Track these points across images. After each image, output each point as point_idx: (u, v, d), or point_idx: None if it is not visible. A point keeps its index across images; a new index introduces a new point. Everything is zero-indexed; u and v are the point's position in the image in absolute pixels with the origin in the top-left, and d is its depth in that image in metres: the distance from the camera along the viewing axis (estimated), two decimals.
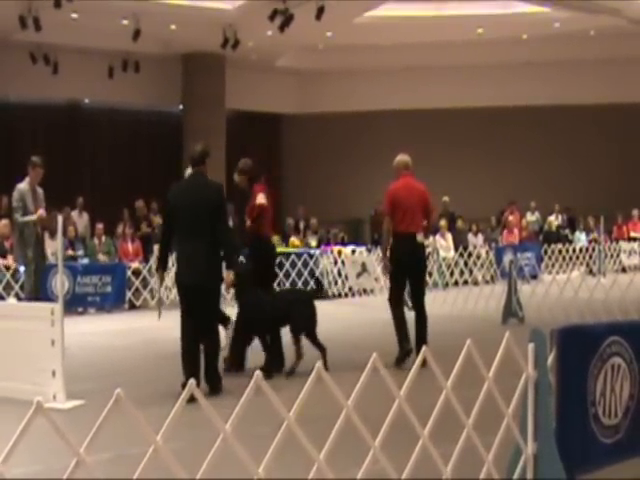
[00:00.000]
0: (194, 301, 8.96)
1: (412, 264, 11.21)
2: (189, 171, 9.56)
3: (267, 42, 27.01)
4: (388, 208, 11.22)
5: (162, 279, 9.88)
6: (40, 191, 12.78)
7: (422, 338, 11.08)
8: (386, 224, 11.23)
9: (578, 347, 5.11)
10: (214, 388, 8.85)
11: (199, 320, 9.01)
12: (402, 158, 11.55)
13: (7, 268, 17.34)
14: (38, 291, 12.92)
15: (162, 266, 9.54)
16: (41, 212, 12.55)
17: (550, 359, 4.95)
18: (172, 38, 26.82)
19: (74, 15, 23.75)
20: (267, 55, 29.30)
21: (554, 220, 29.40)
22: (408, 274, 11.27)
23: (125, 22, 24.52)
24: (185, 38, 26.66)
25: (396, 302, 11.32)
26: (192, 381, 3.66)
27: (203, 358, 9.07)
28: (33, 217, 12.47)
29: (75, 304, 16.96)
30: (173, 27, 25.84)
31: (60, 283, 9.03)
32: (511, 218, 26.32)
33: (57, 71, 26.41)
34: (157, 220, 18.75)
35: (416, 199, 11.25)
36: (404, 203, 11.12)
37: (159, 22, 24.69)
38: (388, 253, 11.21)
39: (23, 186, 12.60)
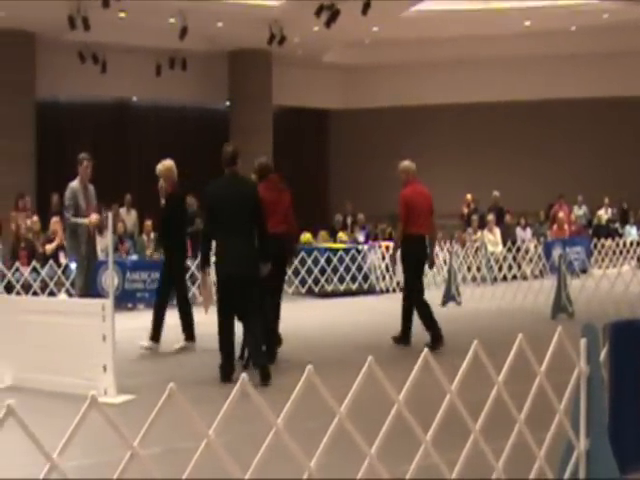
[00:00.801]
0: (233, 292, 9.44)
1: (423, 263, 12.07)
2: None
3: (313, 38, 27.02)
4: (404, 213, 11.86)
5: (208, 274, 10.15)
6: (91, 188, 12.86)
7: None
8: (401, 228, 11.94)
9: (631, 342, 5.06)
10: (265, 376, 8.97)
11: (239, 311, 9.51)
12: (410, 165, 12.32)
13: (58, 265, 17.53)
14: (89, 287, 13.03)
15: (207, 262, 9.98)
16: (93, 217, 12.63)
17: (602, 354, 4.90)
18: (219, 35, 26.92)
19: (122, 14, 23.94)
20: (313, 51, 29.30)
21: (604, 214, 29.09)
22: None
23: (172, 20, 24.67)
24: (232, 35, 26.75)
25: (422, 301, 11.91)
26: (244, 375, 3.67)
27: (249, 348, 9.70)
28: (84, 221, 12.54)
29: (124, 300, 17.09)
30: (220, 24, 25.93)
31: (110, 279, 9.11)
32: (561, 214, 26.07)
33: (105, 70, 26.65)
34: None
35: (426, 203, 12.09)
36: (417, 207, 11.90)
37: (206, 20, 24.80)
38: (399, 254, 11.94)
39: (75, 184, 12.68)
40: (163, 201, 12.30)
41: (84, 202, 12.58)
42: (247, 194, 9.60)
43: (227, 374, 9.30)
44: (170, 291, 12.03)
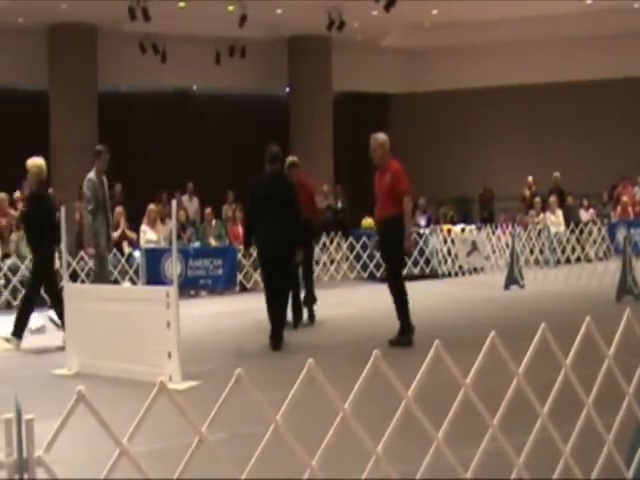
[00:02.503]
0: (272, 271, 11.05)
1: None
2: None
3: (372, 22, 26.88)
4: (409, 185, 11.00)
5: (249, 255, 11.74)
6: (105, 180, 12.96)
7: None
8: (411, 203, 11.11)
9: None
10: (276, 346, 10.74)
11: (274, 287, 11.12)
12: (387, 139, 11.32)
13: (122, 253, 17.75)
14: (107, 280, 13.01)
15: (249, 241, 11.50)
16: (90, 251, 12.80)
17: None
18: (278, 22, 26.92)
19: (181, 4, 24.07)
20: (373, 35, 29.16)
21: None
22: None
23: (231, 8, 24.72)
24: (291, 21, 26.74)
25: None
26: (311, 361, 3.68)
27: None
28: (91, 251, 12.73)
29: (187, 287, 17.21)
30: (279, 11, 25.93)
31: (174, 266, 9.18)
32: (625, 198, 25.66)
33: (165, 60, 26.83)
34: None
35: None
36: None
37: (265, 7, 24.79)
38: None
39: (94, 176, 12.73)
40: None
41: (101, 194, 12.69)
42: (284, 189, 11.16)
43: (276, 343, 10.77)
44: (39, 289, 12.02)
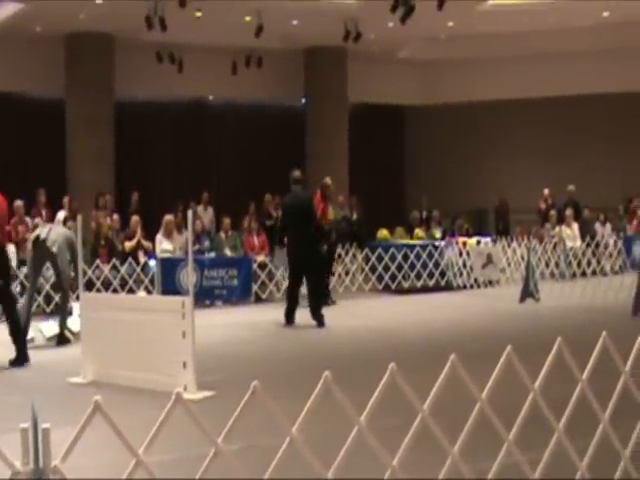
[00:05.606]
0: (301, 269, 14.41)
1: None
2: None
3: (389, 34, 26.91)
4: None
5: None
6: None
7: None
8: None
9: None
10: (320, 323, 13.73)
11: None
12: None
13: (137, 262, 17.79)
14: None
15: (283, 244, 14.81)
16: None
17: None
18: (294, 33, 26.98)
19: (198, 14, 24.13)
20: (389, 47, 29.18)
21: None
22: None
23: (248, 18, 24.80)
24: (307, 32, 26.78)
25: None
26: (327, 373, 3.68)
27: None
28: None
29: (202, 297, 17.23)
30: (295, 22, 25.99)
31: (190, 276, 9.20)
32: None
33: (182, 69, 26.91)
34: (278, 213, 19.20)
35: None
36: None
37: (281, 17, 24.86)
38: None
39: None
40: None
41: None
42: (305, 206, 14.46)
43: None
44: None
